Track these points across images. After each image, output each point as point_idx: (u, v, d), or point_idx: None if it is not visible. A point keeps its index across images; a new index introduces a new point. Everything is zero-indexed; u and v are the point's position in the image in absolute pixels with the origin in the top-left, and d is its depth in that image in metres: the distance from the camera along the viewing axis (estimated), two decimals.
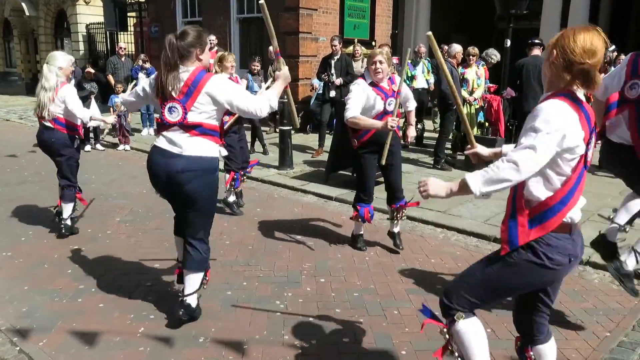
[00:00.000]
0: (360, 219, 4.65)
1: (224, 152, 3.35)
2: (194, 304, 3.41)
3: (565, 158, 1.97)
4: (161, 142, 3.17)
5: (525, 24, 12.00)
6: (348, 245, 4.85)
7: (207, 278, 3.50)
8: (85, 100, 9.29)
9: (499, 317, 3.43)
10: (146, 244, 4.87)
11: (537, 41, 7.72)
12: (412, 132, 4.66)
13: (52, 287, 3.95)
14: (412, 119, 4.74)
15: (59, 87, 4.62)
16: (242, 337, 3.28)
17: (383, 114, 4.28)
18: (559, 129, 1.89)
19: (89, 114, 4.85)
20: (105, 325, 3.40)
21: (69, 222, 4.98)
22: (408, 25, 14.54)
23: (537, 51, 7.59)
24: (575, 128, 1.94)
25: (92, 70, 10.13)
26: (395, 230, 4.73)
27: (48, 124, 4.70)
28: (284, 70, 3.24)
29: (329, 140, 8.01)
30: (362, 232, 4.79)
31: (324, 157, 7.88)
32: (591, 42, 1.97)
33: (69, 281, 4.07)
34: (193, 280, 3.38)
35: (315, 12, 10.96)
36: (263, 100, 3.10)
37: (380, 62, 4.24)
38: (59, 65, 4.64)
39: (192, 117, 3.05)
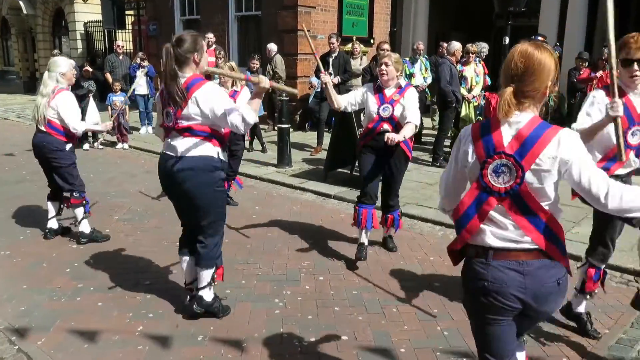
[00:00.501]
0: (357, 221, 4.38)
1: (223, 157, 3.31)
2: (207, 298, 3.44)
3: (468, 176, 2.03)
4: (163, 147, 3.30)
5: (524, 21, 11.98)
6: (347, 243, 4.85)
7: (216, 275, 3.49)
8: (83, 98, 9.31)
9: None
10: (145, 243, 4.86)
11: (539, 38, 7.71)
12: (392, 135, 3.91)
13: (50, 286, 3.94)
14: (404, 130, 4.08)
15: (56, 94, 4.56)
16: (241, 335, 3.28)
17: (379, 121, 4.26)
18: (457, 150, 2.07)
19: (83, 126, 4.70)
20: (104, 324, 3.40)
21: (86, 230, 4.83)
22: (407, 23, 14.52)
23: None
24: (468, 149, 1.99)
25: (90, 69, 10.10)
26: (386, 234, 4.77)
27: (42, 127, 4.65)
28: (261, 79, 3.05)
29: (327, 138, 7.98)
30: (363, 241, 4.39)
31: (323, 155, 7.89)
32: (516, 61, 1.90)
33: (67, 280, 4.06)
34: (204, 276, 3.42)
35: (314, 9, 10.93)
36: (239, 117, 3.00)
37: (386, 65, 4.22)
38: (60, 71, 4.59)
39: (182, 122, 3.12)
